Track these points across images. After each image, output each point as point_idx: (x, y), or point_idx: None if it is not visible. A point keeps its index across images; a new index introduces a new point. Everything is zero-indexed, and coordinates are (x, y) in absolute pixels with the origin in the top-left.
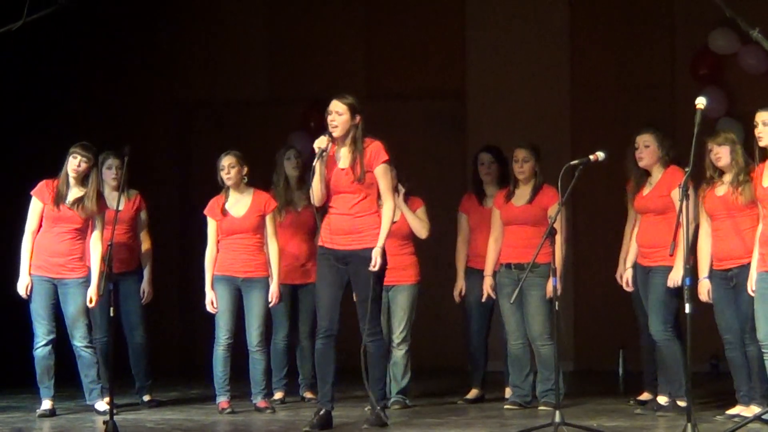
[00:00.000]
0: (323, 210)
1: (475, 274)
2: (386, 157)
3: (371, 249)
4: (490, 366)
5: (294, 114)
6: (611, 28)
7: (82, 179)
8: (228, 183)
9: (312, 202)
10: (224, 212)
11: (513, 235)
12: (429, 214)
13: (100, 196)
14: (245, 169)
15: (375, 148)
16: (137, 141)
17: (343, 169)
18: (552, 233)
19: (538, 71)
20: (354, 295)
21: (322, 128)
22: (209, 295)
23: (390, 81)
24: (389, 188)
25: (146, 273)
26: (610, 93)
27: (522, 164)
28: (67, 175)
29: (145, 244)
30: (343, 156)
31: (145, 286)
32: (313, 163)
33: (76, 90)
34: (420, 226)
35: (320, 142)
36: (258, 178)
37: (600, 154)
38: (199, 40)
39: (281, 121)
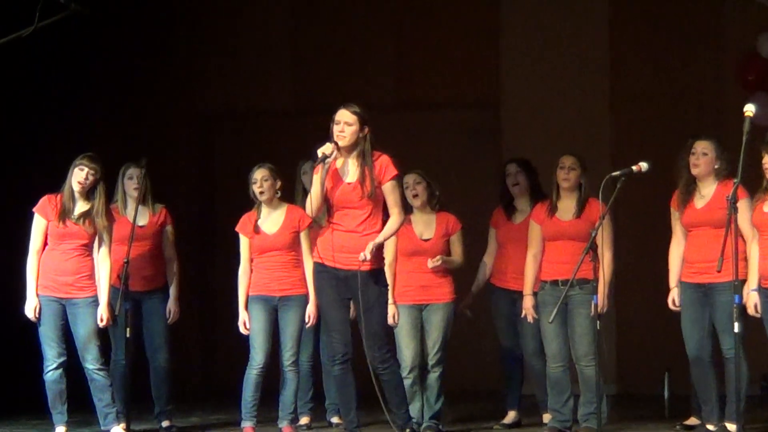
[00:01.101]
0: (316, 223)
1: (498, 292)
2: (396, 172)
3: (377, 270)
4: (526, 388)
5: (319, 125)
6: (653, 32)
7: (88, 192)
8: (261, 198)
9: (307, 212)
10: (257, 229)
11: (560, 251)
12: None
13: (108, 210)
14: (278, 183)
15: (384, 163)
16: (157, 153)
17: (350, 184)
18: (593, 248)
19: (576, 79)
20: (357, 316)
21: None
22: (242, 316)
23: (420, 90)
24: (398, 203)
25: (172, 291)
26: (652, 100)
27: (569, 171)
28: (71, 188)
29: (171, 261)
30: (351, 170)
31: (171, 305)
32: (314, 170)
33: (90, 100)
34: (459, 262)
35: (325, 149)
36: (282, 191)
37: (643, 165)
38: (220, 47)
39: (306, 132)
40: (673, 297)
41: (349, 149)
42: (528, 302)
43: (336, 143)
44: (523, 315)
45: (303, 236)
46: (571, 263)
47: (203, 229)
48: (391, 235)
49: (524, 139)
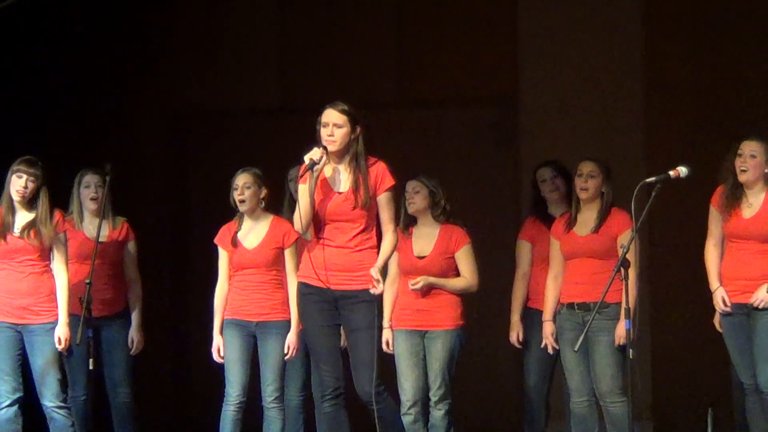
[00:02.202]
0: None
1: (537, 316)
2: (393, 182)
3: (367, 289)
4: (551, 428)
5: (310, 125)
6: (693, 15)
7: (30, 201)
8: (241, 207)
9: (295, 227)
10: (235, 242)
11: (576, 270)
12: (474, 244)
13: (54, 217)
14: (263, 192)
15: (381, 170)
16: (122, 158)
17: (342, 194)
18: (624, 266)
19: (606, 72)
20: (345, 343)
21: None
22: (216, 341)
23: (426, 86)
24: (393, 219)
25: (135, 317)
26: (691, 98)
27: (586, 179)
28: (10, 198)
29: (133, 282)
30: (343, 177)
31: (133, 333)
32: (300, 180)
33: (44, 98)
34: (465, 285)
35: (313, 154)
36: (267, 201)
37: (682, 170)
38: (197, 38)
39: (294, 134)
40: (722, 296)
41: (340, 154)
42: (547, 329)
43: (325, 148)
44: (543, 344)
45: (288, 253)
46: (588, 284)
47: (175, 243)
48: (391, 252)
49: (546, 141)
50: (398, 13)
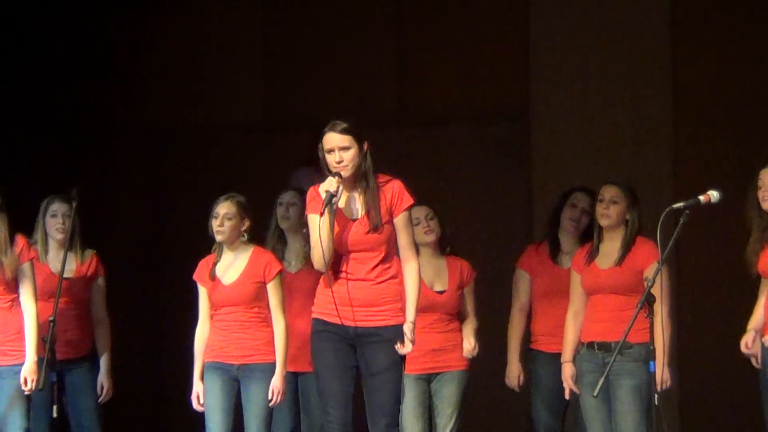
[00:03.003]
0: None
1: (542, 359)
2: (411, 201)
3: (395, 327)
4: None
5: (298, 144)
6: (726, 24)
7: None
8: (218, 237)
9: (317, 266)
10: (212, 276)
11: (598, 307)
12: (480, 274)
13: (15, 244)
14: (246, 224)
15: (397, 189)
16: (91, 180)
17: (358, 221)
18: (649, 301)
19: (628, 83)
20: (363, 386)
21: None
22: (196, 387)
23: (428, 101)
24: (412, 244)
25: (104, 362)
26: (727, 112)
27: (608, 206)
28: None
29: (102, 323)
30: (357, 203)
31: (102, 378)
32: (319, 215)
33: (9, 114)
34: (476, 326)
35: (329, 185)
36: (251, 232)
37: (713, 194)
38: (173, 47)
39: (281, 153)
40: (746, 340)
41: (354, 178)
42: (567, 371)
43: (339, 175)
44: (567, 391)
45: (271, 288)
46: (610, 321)
47: (151, 277)
48: (419, 291)
49: (562, 161)
50: (397, 21)
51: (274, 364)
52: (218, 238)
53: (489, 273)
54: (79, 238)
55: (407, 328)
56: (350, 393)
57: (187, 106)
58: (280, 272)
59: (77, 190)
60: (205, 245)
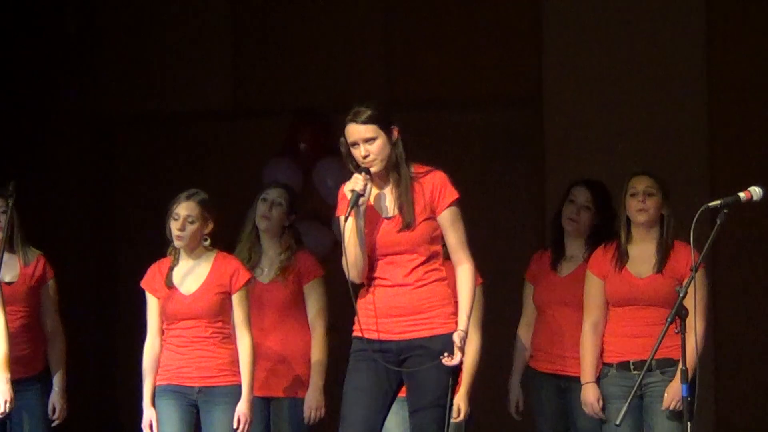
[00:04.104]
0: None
1: (538, 380)
2: (456, 195)
3: (446, 336)
4: None
5: (272, 131)
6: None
7: None
8: (177, 242)
9: (349, 277)
10: (169, 284)
11: (631, 321)
12: (486, 283)
13: None
14: (209, 226)
15: (439, 181)
16: (35, 175)
17: (390, 219)
18: (680, 314)
19: (655, 66)
20: (410, 409)
21: (317, 152)
22: (147, 414)
23: (423, 84)
24: (465, 243)
25: (57, 380)
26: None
27: (644, 199)
28: None
29: (55, 335)
30: (389, 199)
31: (55, 399)
32: (343, 218)
33: None
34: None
35: (355, 183)
36: (214, 233)
37: (756, 191)
38: (128, 29)
39: (253, 143)
40: None
41: (385, 171)
42: (590, 394)
43: (366, 171)
44: (594, 411)
45: (237, 300)
46: (648, 337)
47: (101, 284)
48: (474, 296)
49: (578, 153)
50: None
51: (239, 387)
52: (178, 243)
53: (496, 281)
54: (20, 237)
55: (457, 337)
56: (378, 421)
57: (143, 91)
58: (248, 281)
59: (14, 184)
60: (166, 246)
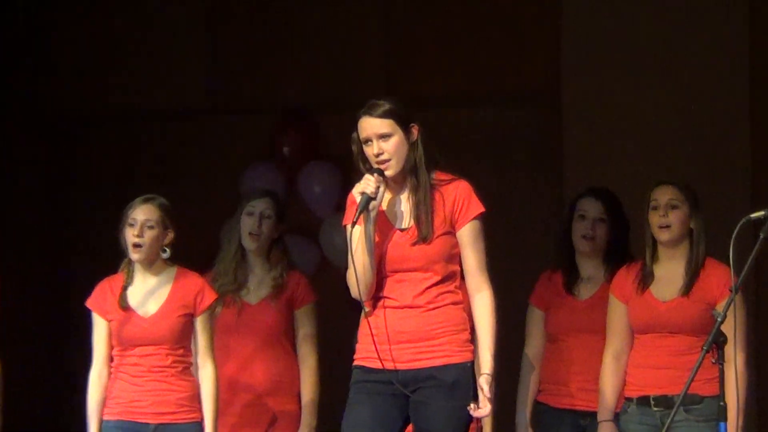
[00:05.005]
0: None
1: (548, 415)
2: (482, 209)
3: (459, 366)
4: None
5: (253, 132)
6: None
7: None
8: (134, 254)
9: (353, 294)
10: (124, 305)
11: (654, 350)
12: (498, 304)
13: None
14: (169, 235)
15: (463, 192)
16: None
17: (405, 231)
18: (718, 342)
19: (688, 61)
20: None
21: (303, 156)
22: None
23: (426, 81)
24: (485, 266)
25: None
26: None
27: (666, 212)
28: None
29: None
30: (405, 208)
31: None
32: (351, 225)
33: None
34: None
35: (366, 185)
36: (188, 243)
37: None
38: (91, 15)
39: (231, 145)
40: None
41: (401, 174)
42: None
43: (380, 172)
44: None
45: (201, 324)
46: (673, 369)
47: (55, 302)
48: (495, 328)
49: (600, 156)
50: None
51: (200, 425)
52: (135, 255)
53: (509, 301)
54: None
55: (485, 383)
56: None
57: (108, 86)
58: (213, 303)
59: None
60: (113, 260)
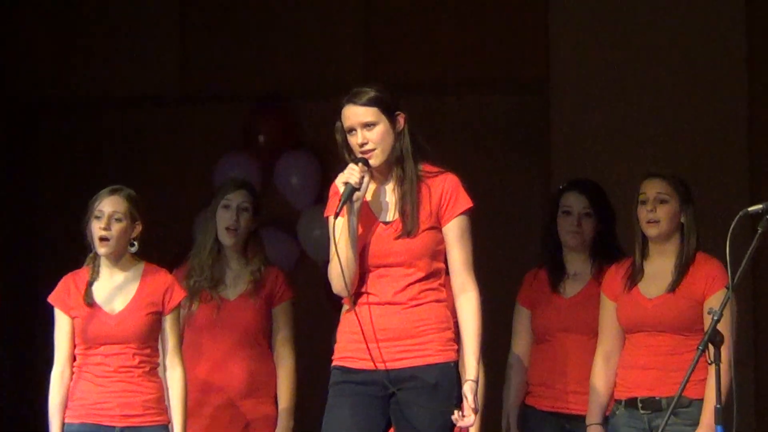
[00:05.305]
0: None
1: (535, 419)
2: (469, 204)
3: (442, 366)
4: None
5: (226, 120)
6: None
7: None
8: (101, 248)
9: (336, 290)
10: (89, 301)
11: (642, 350)
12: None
13: None
14: (137, 228)
15: (450, 186)
16: None
17: (389, 224)
18: (714, 342)
19: (685, 47)
20: None
21: (279, 145)
22: None
23: (407, 67)
24: (471, 265)
25: None
26: None
27: (654, 207)
28: None
29: None
30: (390, 200)
31: None
32: (333, 217)
33: None
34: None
35: (350, 175)
36: (159, 237)
37: None
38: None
39: (203, 134)
40: None
41: (387, 165)
42: None
43: (364, 162)
44: None
45: (170, 323)
46: (660, 370)
47: (18, 299)
48: (481, 329)
49: (589, 146)
50: None
51: (166, 428)
52: (102, 249)
53: (498, 299)
54: None
55: (468, 390)
56: None
57: (72, 72)
58: (182, 300)
59: None
60: (78, 254)
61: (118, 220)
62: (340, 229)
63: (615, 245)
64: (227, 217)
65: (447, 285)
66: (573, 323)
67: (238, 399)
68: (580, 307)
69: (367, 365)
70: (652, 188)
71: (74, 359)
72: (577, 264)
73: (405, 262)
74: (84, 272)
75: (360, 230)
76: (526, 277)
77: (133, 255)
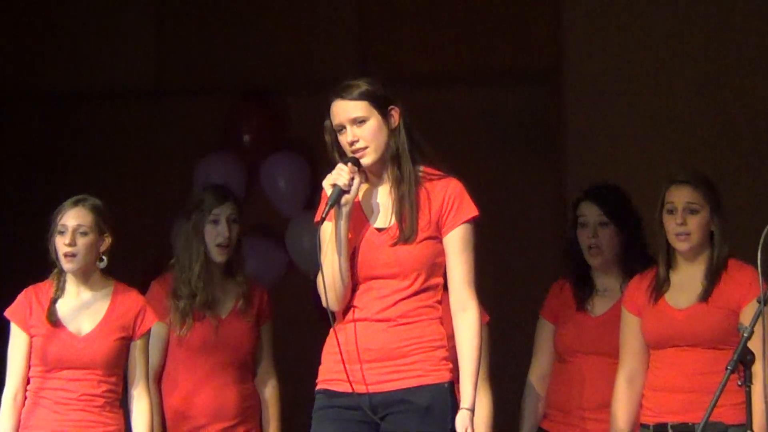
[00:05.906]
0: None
1: None
2: (476, 212)
3: (434, 387)
4: None
5: (207, 118)
6: None
7: None
8: (67, 265)
9: (328, 302)
10: (53, 319)
11: (672, 369)
12: (492, 317)
13: None
14: (106, 241)
15: (453, 191)
16: None
17: (384, 230)
18: (745, 362)
19: (709, 36)
20: None
21: (265, 145)
22: None
23: (405, 58)
24: (472, 280)
25: None
26: None
27: (683, 218)
28: None
29: None
30: (384, 203)
31: None
32: (320, 221)
33: None
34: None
35: (338, 176)
36: (133, 244)
37: None
38: None
39: (181, 132)
40: None
41: (380, 164)
42: None
43: (355, 161)
44: None
45: (139, 349)
46: (691, 392)
47: None
48: (480, 350)
49: (606, 144)
50: None
51: None
52: (69, 266)
53: (505, 313)
54: None
55: (460, 422)
56: None
57: (37, 64)
58: (152, 325)
59: None
60: (39, 267)
61: (84, 234)
62: (327, 234)
63: (645, 253)
64: (218, 234)
65: (444, 300)
66: (600, 345)
67: (239, 425)
68: (607, 327)
69: (356, 388)
70: (681, 197)
71: (28, 382)
72: (606, 279)
73: (399, 274)
74: (47, 286)
75: (351, 236)
76: (551, 289)
77: (103, 272)
